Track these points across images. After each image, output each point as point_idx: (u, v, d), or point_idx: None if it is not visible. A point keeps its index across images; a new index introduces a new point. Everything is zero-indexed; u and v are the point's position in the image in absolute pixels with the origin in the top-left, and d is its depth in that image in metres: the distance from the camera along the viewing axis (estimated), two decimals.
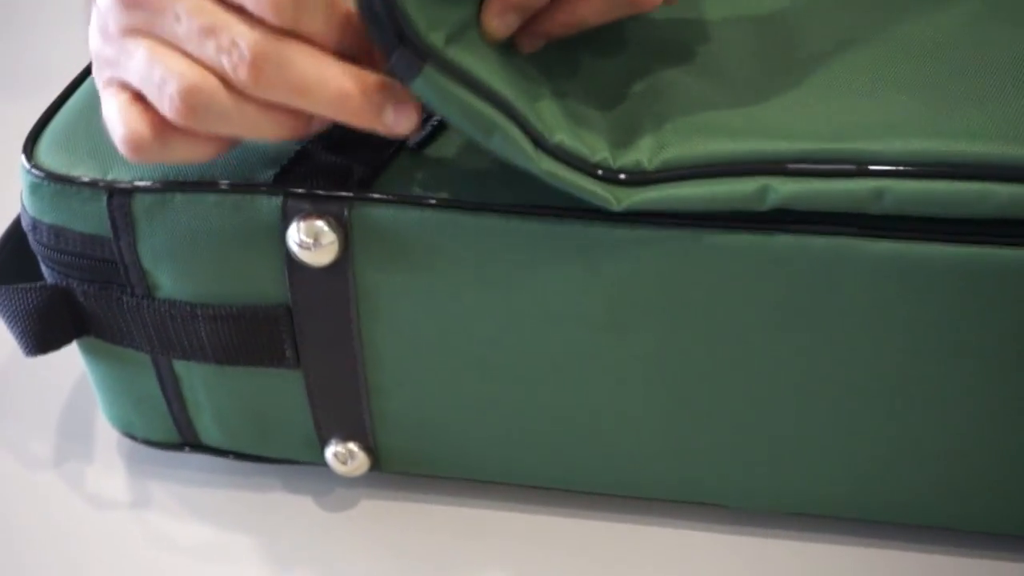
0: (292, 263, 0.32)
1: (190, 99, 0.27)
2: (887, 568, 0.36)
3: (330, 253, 0.31)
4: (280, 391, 0.35)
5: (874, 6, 0.36)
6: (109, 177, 0.32)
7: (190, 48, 0.27)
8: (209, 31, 0.27)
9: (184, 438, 0.38)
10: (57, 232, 0.33)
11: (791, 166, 0.29)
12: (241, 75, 0.27)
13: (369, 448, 0.37)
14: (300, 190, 0.31)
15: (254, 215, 0.31)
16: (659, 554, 0.36)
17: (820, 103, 0.32)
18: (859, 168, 0.29)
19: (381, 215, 0.31)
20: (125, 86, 0.29)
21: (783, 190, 0.29)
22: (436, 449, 0.36)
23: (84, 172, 0.32)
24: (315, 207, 0.31)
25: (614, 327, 0.32)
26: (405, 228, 0.31)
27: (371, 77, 0.28)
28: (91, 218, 0.32)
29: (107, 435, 0.42)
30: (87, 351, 0.37)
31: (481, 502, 0.38)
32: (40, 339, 0.35)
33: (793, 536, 0.37)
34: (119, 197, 0.32)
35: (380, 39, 0.28)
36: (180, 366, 0.35)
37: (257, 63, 0.27)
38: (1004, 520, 0.35)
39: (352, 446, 0.36)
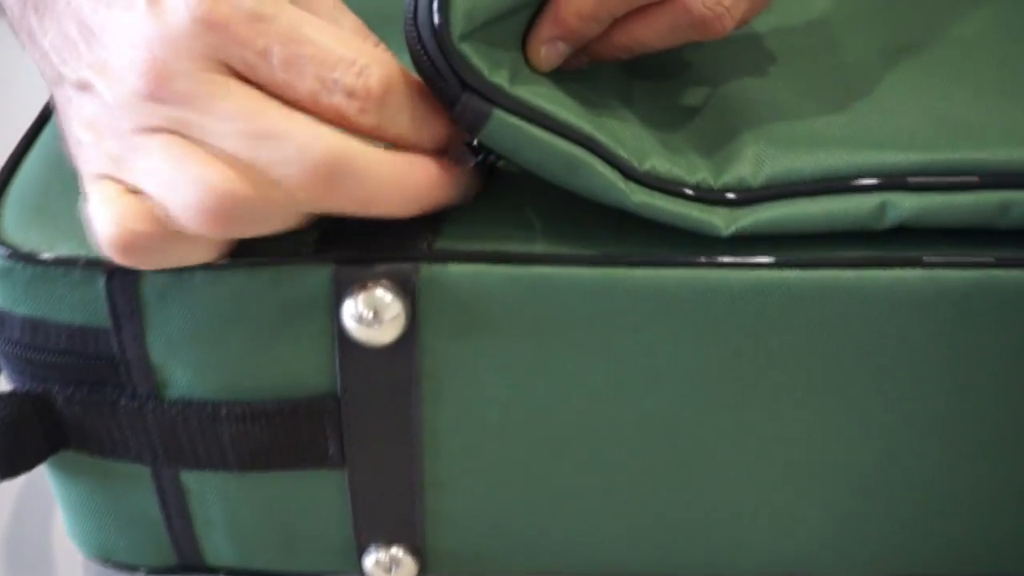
0: (345, 343, 0.26)
1: (228, 206, 0.22)
2: None
3: (395, 328, 0.26)
4: (314, 495, 0.29)
5: (913, 6, 0.34)
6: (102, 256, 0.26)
7: (231, 150, 0.22)
8: (266, 136, 0.22)
9: (184, 560, 0.32)
10: (34, 326, 0.27)
11: (912, 179, 0.26)
12: (303, 186, 0.22)
13: (417, 551, 0.31)
14: (354, 254, 0.25)
15: (297, 289, 0.26)
16: None
17: (911, 110, 0.28)
18: (982, 179, 0.26)
19: (457, 276, 0.26)
20: (119, 182, 0.23)
21: (905, 206, 0.26)
22: (499, 546, 0.31)
23: (70, 248, 0.26)
24: (375, 273, 0.25)
25: (740, 388, 0.27)
26: (486, 290, 0.26)
27: (435, 165, 0.25)
28: (81, 306, 0.26)
29: (68, 561, 0.34)
30: (60, 467, 0.30)
31: None
32: (6, 460, 0.28)
33: None
34: (122, 278, 0.25)
35: (442, 89, 0.24)
36: (190, 478, 0.29)
37: (325, 174, 0.22)
38: None
39: (397, 551, 0.31)
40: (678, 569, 0.32)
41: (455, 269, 0.26)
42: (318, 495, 0.29)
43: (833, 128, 0.27)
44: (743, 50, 0.31)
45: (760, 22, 0.33)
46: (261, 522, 0.30)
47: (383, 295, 0.25)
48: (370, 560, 0.31)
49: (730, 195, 0.26)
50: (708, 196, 0.25)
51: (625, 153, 0.25)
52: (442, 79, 0.24)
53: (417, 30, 0.24)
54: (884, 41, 0.32)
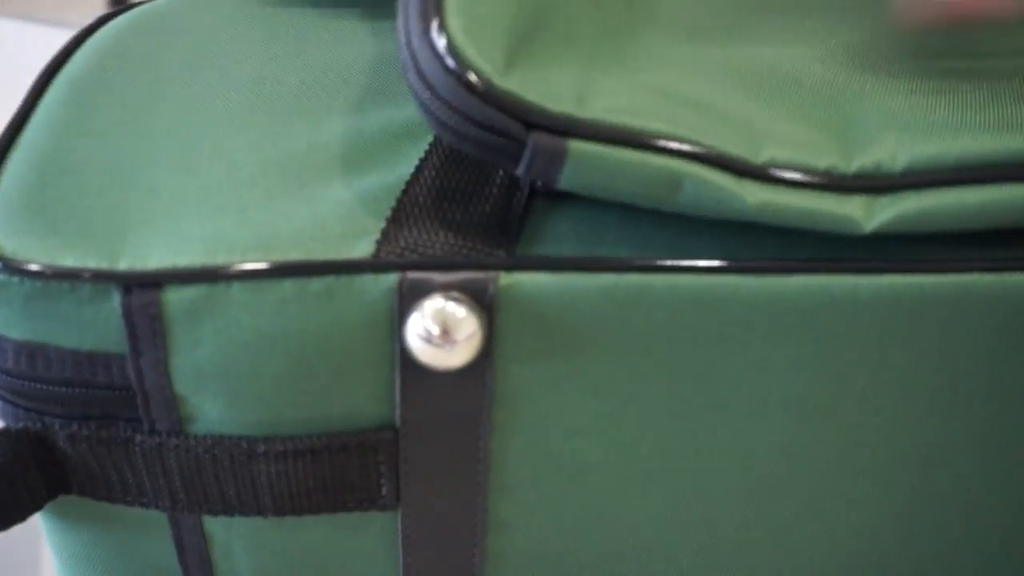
0: (409, 367, 0.22)
1: None
2: None
3: (469, 349, 0.22)
4: (360, 541, 0.25)
5: None
6: (122, 266, 0.21)
7: None
8: None
9: None
10: (31, 352, 0.22)
11: None
12: None
13: None
14: (424, 259, 0.21)
15: (353, 304, 0.21)
16: None
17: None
18: None
19: (542, 287, 0.22)
20: None
21: None
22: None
23: (76, 259, 0.22)
24: (447, 283, 0.21)
25: (854, 413, 0.24)
26: (573, 303, 0.22)
27: None
28: (91, 328, 0.22)
29: None
30: (59, 514, 0.26)
31: None
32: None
33: None
34: (142, 294, 0.21)
35: (494, 146, 0.21)
36: (215, 524, 0.25)
37: None
38: None
39: None
40: None
41: (539, 278, 0.22)
42: (364, 541, 0.25)
43: (972, 114, 0.24)
44: (847, 31, 0.28)
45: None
46: (292, 571, 0.26)
47: (456, 310, 0.21)
48: None
49: (865, 182, 0.22)
50: (842, 184, 0.22)
51: (735, 148, 0.22)
52: (491, 133, 0.20)
53: (429, 85, 0.20)
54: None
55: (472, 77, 0.20)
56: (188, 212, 0.23)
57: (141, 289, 0.21)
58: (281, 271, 0.21)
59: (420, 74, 0.20)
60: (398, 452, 0.23)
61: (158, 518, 0.25)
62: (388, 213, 0.22)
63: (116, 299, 0.21)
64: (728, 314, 0.22)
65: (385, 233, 0.22)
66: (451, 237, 0.22)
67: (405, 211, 0.23)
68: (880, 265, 0.22)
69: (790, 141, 0.22)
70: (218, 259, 0.21)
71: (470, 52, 0.20)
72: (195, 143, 0.25)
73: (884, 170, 0.22)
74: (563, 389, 0.23)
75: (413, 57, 0.20)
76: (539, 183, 0.23)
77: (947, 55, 0.27)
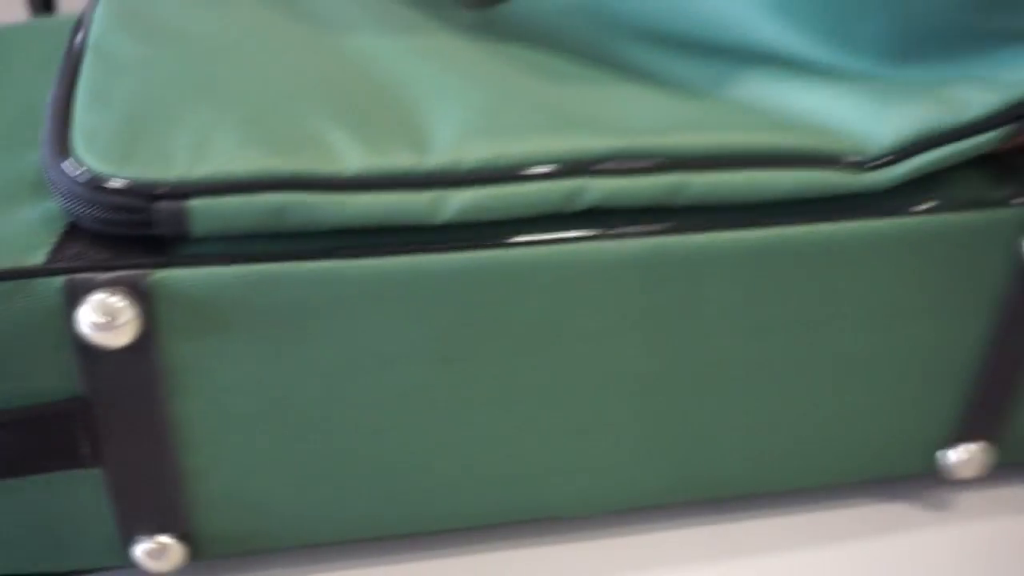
0: (84, 348, 0.28)
1: None
2: (751, 538, 0.37)
3: (131, 330, 0.28)
4: (73, 495, 0.31)
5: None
6: None
7: None
8: None
9: None
10: None
11: (600, 163, 0.30)
12: None
13: (185, 537, 0.33)
14: (85, 263, 0.27)
15: (33, 301, 0.27)
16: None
17: (603, 101, 0.32)
18: (664, 163, 0.30)
19: (188, 279, 0.28)
20: None
21: (596, 188, 0.29)
22: (265, 525, 0.33)
23: None
24: (107, 280, 0.27)
25: (451, 360, 0.31)
26: (216, 290, 0.28)
27: None
28: None
29: None
30: None
31: (314, 568, 0.36)
32: None
33: (645, 530, 0.37)
34: None
35: (130, 221, 0.27)
36: None
37: None
38: (843, 471, 0.37)
39: (164, 539, 0.33)
40: (425, 525, 0.35)
41: (185, 272, 0.28)
42: (76, 495, 0.31)
43: (532, 119, 0.31)
44: (421, 38, 0.34)
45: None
46: (24, 527, 0.32)
47: (115, 300, 0.27)
48: (139, 550, 0.33)
49: (452, 181, 0.29)
50: (418, 182, 0.28)
51: (329, 167, 0.28)
52: (127, 214, 0.27)
53: (68, 197, 0.27)
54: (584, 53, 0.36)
55: (99, 181, 0.26)
56: None
57: None
58: None
59: (61, 188, 0.27)
60: (92, 418, 0.29)
61: None
62: (62, 231, 0.28)
63: None
64: (340, 291, 0.29)
65: (57, 246, 0.28)
66: (114, 249, 0.28)
67: (75, 230, 0.28)
68: (453, 246, 0.29)
69: (373, 149, 0.29)
70: None
71: (91, 162, 0.27)
72: None
73: (453, 169, 0.29)
74: (220, 359, 0.29)
75: (53, 177, 0.27)
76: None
77: (518, 58, 0.34)
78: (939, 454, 0.38)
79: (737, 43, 0.36)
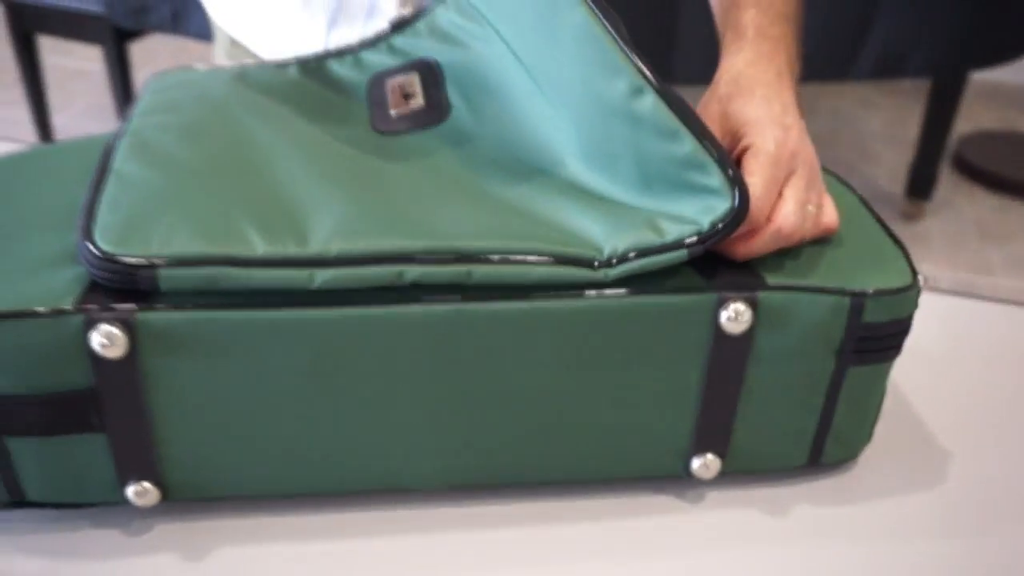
0: (94, 358, 0.46)
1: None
2: (569, 513, 0.54)
3: (122, 348, 0.46)
4: (90, 450, 0.49)
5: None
6: None
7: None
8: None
9: (12, 497, 0.51)
10: None
11: (418, 256, 0.47)
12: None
13: (160, 484, 0.51)
14: (96, 306, 0.46)
15: (65, 328, 0.46)
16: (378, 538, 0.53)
17: (430, 212, 0.50)
18: (459, 257, 0.47)
19: (158, 318, 0.46)
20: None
21: (414, 272, 0.47)
22: (212, 478, 0.51)
23: None
24: (108, 316, 0.46)
25: (319, 374, 0.48)
26: (175, 325, 0.46)
27: None
28: None
29: None
30: None
31: (253, 512, 0.54)
32: None
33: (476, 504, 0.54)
34: None
35: (128, 278, 0.46)
36: (11, 442, 0.49)
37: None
38: (621, 469, 0.54)
39: (146, 484, 0.51)
40: (318, 488, 0.52)
41: (156, 314, 0.46)
42: (92, 450, 0.49)
43: (377, 225, 0.48)
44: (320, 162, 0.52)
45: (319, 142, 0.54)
46: (56, 470, 0.50)
47: (111, 329, 0.45)
48: (130, 491, 0.51)
49: (313, 262, 0.46)
50: (300, 262, 0.46)
51: (244, 252, 0.46)
52: (122, 276, 0.45)
53: (90, 264, 0.46)
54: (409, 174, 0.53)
55: (106, 257, 0.45)
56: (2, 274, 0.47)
57: None
58: (23, 314, 0.45)
59: (85, 259, 0.45)
60: (99, 401, 0.47)
61: None
62: (86, 285, 0.47)
63: None
64: (243, 330, 0.46)
65: (82, 295, 0.46)
66: (115, 297, 0.46)
67: (94, 285, 0.47)
68: (318, 303, 0.47)
69: (273, 240, 0.47)
70: (8, 306, 0.45)
71: (103, 245, 0.45)
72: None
73: (324, 255, 0.47)
74: (179, 367, 0.47)
75: (81, 252, 0.45)
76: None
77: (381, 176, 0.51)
78: (689, 461, 0.54)
79: (550, 170, 0.54)
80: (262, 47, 0.86)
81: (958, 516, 0.55)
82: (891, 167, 2.72)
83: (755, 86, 0.54)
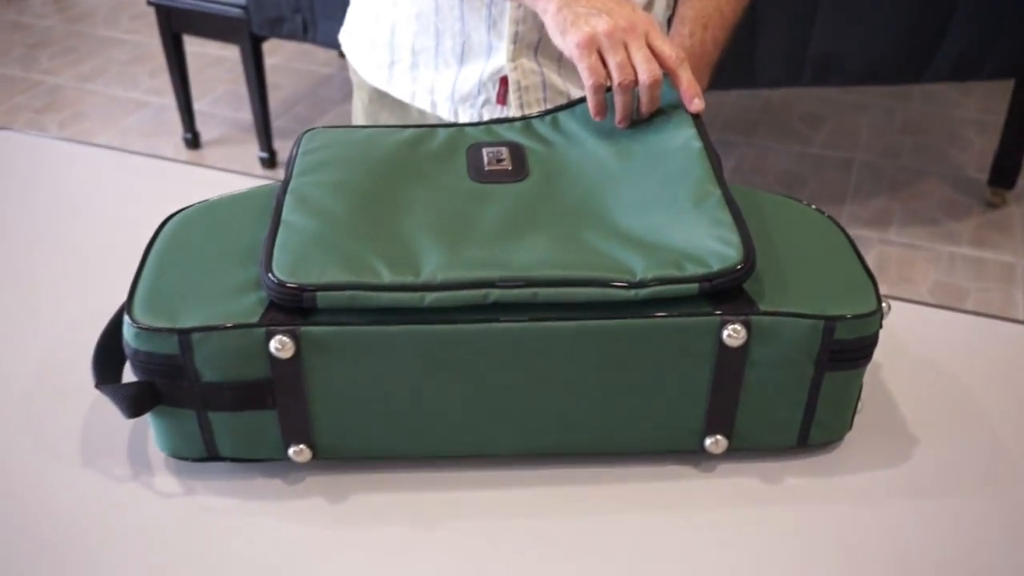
0: (271, 358, 0.66)
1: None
2: (610, 476, 0.72)
3: (290, 352, 0.65)
4: (264, 422, 0.69)
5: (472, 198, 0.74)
6: (177, 325, 0.65)
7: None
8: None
9: (210, 454, 0.72)
10: (147, 353, 0.66)
11: (497, 283, 0.65)
12: None
13: (312, 446, 0.71)
14: (274, 322, 0.65)
15: (255, 337, 0.65)
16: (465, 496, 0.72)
17: (507, 249, 0.68)
18: (528, 282, 0.65)
19: (316, 331, 0.65)
20: None
21: (495, 294, 0.65)
22: (351, 443, 0.71)
23: (163, 323, 0.66)
24: (283, 330, 0.65)
25: (431, 373, 0.67)
26: (327, 336, 0.65)
27: None
28: (167, 346, 0.66)
29: (156, 457, 0.74)
30: (156, 412, 0.70)
31: (384, 472, 0.73)
32: (135, 410, 0.68)
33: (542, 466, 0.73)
34: (183, 335, 0.65)
35: (294, 299, 0.64)
36: (212, 415, 0.69)
37: None
38: (652, 444, 0.72)
39: (302, 446, 0.70)
40: (436, 452, 0.71)
41: (314, 328, 0.65)
42: (265, 421, 0.69)
43: (470, 259, 0.67)
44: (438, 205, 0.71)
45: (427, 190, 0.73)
46: (242, 434, 0.70)
47: (284, 339, 0.65)
48: (291, 451, 0.71)
49: (423, 287, 0.65)
50: (415, 288, 0.65)
51: (373, 280, 0.65)
52: (289, 297, 0.64)
53: (269, 289, 0.65)
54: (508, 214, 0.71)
55: (281, 283, 0.64)
56: (209, 298, 0.67)
57: (183, 332, 0.65)
58: (223, 328, 0.65)
59: (266, 285, 0.65)
60: (273, 388, 0.67)
61: (191, 413, 0.69)
62: (267, 304, 0.66)
63: (175, 337, 0.65)
64: (377, 342, 0.65)
65: (264, 312, 0.66)
66: (287, 314, 0.66)
67: (272, 304, 0.66)
68: (447, 319, 0.65)
69: (394, 270, 0.65)
70: (214, 321, 0.65)
71: (279, 275, 0.64)
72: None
73: (429, 281, 0.65)
74: (332, 369, 0.66)
75: (263, 281, 0.65)
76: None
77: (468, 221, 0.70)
78: (703, 440, 0.71)
79: (604, 219, 0.71)
80: (403, 92, 1.03)
81: (922, 487, 0.71)
82: (980, 152, 2.78)
83: None
